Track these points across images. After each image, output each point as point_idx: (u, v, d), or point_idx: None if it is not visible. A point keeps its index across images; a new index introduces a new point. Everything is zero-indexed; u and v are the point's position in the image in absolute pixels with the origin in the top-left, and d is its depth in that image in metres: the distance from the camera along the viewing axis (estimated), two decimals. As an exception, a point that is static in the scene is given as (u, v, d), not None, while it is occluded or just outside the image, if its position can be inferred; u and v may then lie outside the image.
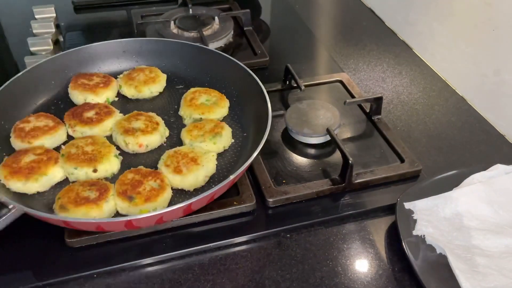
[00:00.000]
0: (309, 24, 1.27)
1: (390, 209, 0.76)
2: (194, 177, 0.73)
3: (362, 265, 0.69)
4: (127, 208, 0.68)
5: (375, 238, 0.72)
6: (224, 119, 0.87)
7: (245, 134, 0.84)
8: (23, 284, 0.65)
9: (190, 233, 0.71)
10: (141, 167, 0.74)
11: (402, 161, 0.82)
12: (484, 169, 0.78)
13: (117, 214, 0.70)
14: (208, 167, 0.74)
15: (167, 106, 0.91)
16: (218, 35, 1.15)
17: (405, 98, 1.02)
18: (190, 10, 1.21)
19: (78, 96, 0.88)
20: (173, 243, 0.70)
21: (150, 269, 0.68)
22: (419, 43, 1.18)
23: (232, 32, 1.18)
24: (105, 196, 0.68)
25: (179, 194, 0.73)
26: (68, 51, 0.93)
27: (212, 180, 0.76)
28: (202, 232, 0.72)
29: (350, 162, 0.75)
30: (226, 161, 0.79)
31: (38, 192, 0.72)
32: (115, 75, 0.94)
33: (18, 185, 0.70)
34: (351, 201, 0.77)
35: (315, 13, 1.36)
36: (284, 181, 0.79)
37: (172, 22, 1.16)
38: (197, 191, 0.74)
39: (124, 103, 0.91)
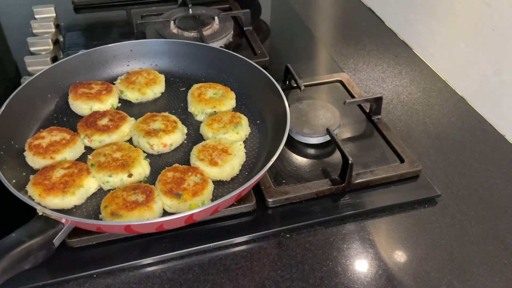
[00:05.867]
0: (309, 24, 1.27)
1: (390, 209, 0.77)
2: (230, 167, 0.75)
3: (362, 265, 0.69)
4: (177, 206, 0.69)
5: (375, 238, 0.72)
6: (234, 110, 0.88)
7: (258, 122, 0.87)
8: (23, 284, 0.65)
9: (190, 233, 0.71)
10: (177, 164, 0.75)
11: (402, 161, 0.82)
12: None
13: (164, 212, 0.70)
14: (240, 155, 0.77)
15: (172, 105, 0.92)
16: (218, 35, 1.15)
17: (405, 98, 1.02)
18: (190, 10, 1.21)
19: (82, 106, 0.87)
20: (173, 243, 0.70)
21: (150, 269, 0.68)
22: (419, 43, 1.18)
23: (232, 32, 1.18)
24: (152, 197, 0.69)
25: (216, 184, 0.75)
26: (59, 62, 0.92)
27: (244, 168, 0.78)
28: (202, 232, 0.72)
29: (350, 162, 0.75)
30: (250, 148, 0.82)
31: (75, 206, 0.71)
32: (109, 81, 0.93)
33: (55, 201, 0.69)
34: (351, 201, 0.77)
35: (315, 13, 1.36)
36: (284, 181, 0.79)
37: (172, 22, 1.16)
38: (233, 180, 0.76)
39: (128, 108, 0.91)
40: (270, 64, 1.09)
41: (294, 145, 0.87)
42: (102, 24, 1.27)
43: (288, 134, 0.74)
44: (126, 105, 0.92)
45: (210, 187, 0.72)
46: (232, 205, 0.73)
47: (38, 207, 0.63)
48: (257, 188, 0.77)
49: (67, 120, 0.87)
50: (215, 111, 0.86)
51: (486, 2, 0.98)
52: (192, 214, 0.63)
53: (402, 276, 0.67)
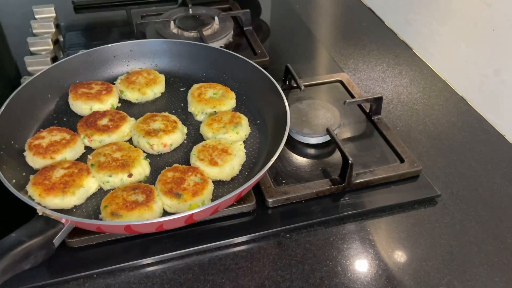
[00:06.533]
0: (309, 24, 1.27)
1: (390, 209, 0.77)
2: (230, 167, 0.75)
3: (362, 265, 0.69)
4: (177, 205, 0.69)
5: (374, 238, 0.72)
6: (234, 110, 0.89)
7: (258, 121, 0.87)
8: (23, 284, 0.65)
9: (190, 233, 0.71)
10: (177, 164, 0.76)
11: (402, 161, 0.82)
12: None
13: (164, 212, 0.71)
14: (240, 155, 0.77)
15: (172, 105, 0.92)
16: (218, 35, 1.15)
17: (405, 98, 1.02)
18: (190, 10, 1.21)
19: (82, 106, 0.87)
20: (173, 243, 0.70)
21: (150, 269, 0.68)
22: (419, 43, 1.18)
23: (232, 32, 1.18)
24: (152, 197, 0.69)
25: (216, 184, 0.75)
26: (59, 62, 0.92)
27: (244, 168, 0.78)
28: (201, 232, 0.72)
29: (350, 162, 0.75)
30: (250, 148, 0.82)
31: (75, 206, 0.71)
32: (109, 81, 0.93)
33: (55, 201, 0.69)
34: (351, 201, 0.77)
35: (315, 13, 1.36)
36: (284, 181, 0.79)
37: (172, 22, 1.16)
38: (233, 180, 0.76)
39: (128, 108, 0.91)
40: (270, 64, 1.09)
41: (294, 145, 0.87)
42: (102, 24, 1.27)
43: (288, 134, 0.74)
44: (126, 105, 0.92)
45: (210, 187, 0.72)
46: (232, 205, 0.73)
47: (38, 207, 0.63)
48: (257, 188, 0.77)
49: (67, 120, 0.87)
50: (215, 111, 0.86)
51: (486, 2, 0.98)
52: (192, 214, 0.63)
53: (402, 276, 0.67)
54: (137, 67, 0.98)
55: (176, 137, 0.81)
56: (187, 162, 0.79)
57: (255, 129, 0.85)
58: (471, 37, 1.05)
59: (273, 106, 0.83)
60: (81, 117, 0.86)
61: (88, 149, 0.81)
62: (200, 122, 0.86)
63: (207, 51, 0.97)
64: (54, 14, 1.21)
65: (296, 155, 0.85)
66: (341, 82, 1.02)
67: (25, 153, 0.77)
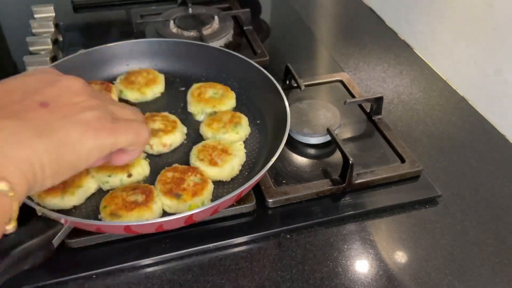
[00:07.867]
0: (310, 24, 1.27)
1: (391, 210, 0.76)
2: (230, 167, 0.75)
3: (362, 265, 0.69)
4: (176, 206, 0.69)
5: (375, 239, 0.72)
6: (234, 110, 0.88)
7: (258, 122, 0.86)
8: (22, 284, 0.64)
9: (190, 233, 0.71)
10: (176, 165, 0.75)
11: (403, 161, 0.82)
12: None
13: (164, 213, 0.70)
14: (240, 155, 0.77)
15: (172, 105, 0.91)
16: (218, 34, 1.15)
17: (406, 98, 1.01)
18: (190, 9, 1.21)
19: None
20: (173, 243, 0.70)
21: (149, 269, 0.68)
22: (419, 43, 1.18)
23: (232, 32, 1.18)
24: (152, 198, 0.68)
25: (216, 185, 0.74)
26: (58, 61, 0.90)
27: (244, 168, 0.77)
28: (201, 232, 0.72)
29: (350, 162, 0.75)
30: (250, 148, 0.81)
31: (74, 206, 0.71)
32: (108, 80, 0.93)
33: (55, 201, 0.69)
34: (352, 201, 0.77)
35: (315, 12, 1.35)
36: (284, 181, 0.79)
37: (171, 22, 1.16)
38: (233, 180, 0.76)
39: (128, 107, 0.91)
40: (270, 64, 1.08)
41: (294, 145, 0.86)
42: (101, 23, 1.27)
43: (288, 134, 0.74)
44: (125, 105, 0.91)
45: (210, 187, 0.72)
46: (232, 205, 0.73)
47: (37, 207, 0.63)
48: (257, 188, 0.77)
49: (67, 120, 0.87)
50: (215, 111, 0.86)
51: (487, 2, 0.98)
52: (192, 214, 0.63)
53: (403, 276, 0.67)
54: (137, 67, 0.97)
55: (175, 136, 0.81)
56: (187, 162, 0.78)
57: (255, 129, 0.85)
58: (472, 37, 1.05)
59: (273, 106, 0.83)
60: (80, 117, 0.86)
61: (88, 149, 0.80)
62: (200, 122, 0.86)
63: (207, 50, 0.97)
64: (54, 14, 1.21)
65: (296, 155, 0.85)
66: (341, 82, 1.02)
67: None
